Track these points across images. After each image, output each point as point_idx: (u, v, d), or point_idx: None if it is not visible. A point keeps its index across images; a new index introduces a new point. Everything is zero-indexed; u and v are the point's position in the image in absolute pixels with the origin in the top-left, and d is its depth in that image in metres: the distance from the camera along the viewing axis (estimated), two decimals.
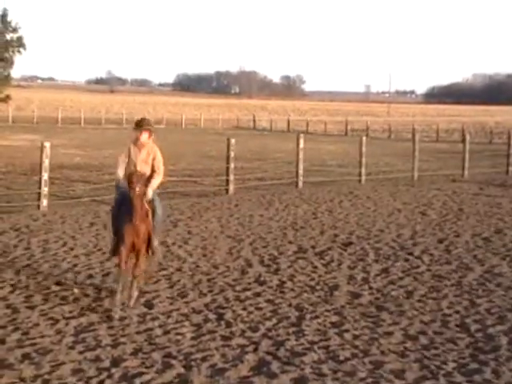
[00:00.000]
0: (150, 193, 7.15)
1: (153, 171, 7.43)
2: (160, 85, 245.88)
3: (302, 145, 18.15)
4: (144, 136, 7.48)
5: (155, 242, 7.39)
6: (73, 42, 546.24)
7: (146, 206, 7.05)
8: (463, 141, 24.53)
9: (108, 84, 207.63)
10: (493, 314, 7.26)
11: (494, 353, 6.08)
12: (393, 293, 7.99)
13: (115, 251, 7.27)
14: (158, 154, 7.55)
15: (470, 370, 5.66)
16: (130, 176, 6.89)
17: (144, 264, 7.43)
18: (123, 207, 6.98)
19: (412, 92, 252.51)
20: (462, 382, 5.41)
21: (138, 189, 6.76)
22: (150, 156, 7.48)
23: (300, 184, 18.11)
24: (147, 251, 7.26)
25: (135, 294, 7.14)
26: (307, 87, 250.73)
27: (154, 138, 7.63)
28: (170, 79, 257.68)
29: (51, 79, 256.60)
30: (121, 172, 7.43)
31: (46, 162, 13.47)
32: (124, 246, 6.94)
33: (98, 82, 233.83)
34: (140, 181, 6.85)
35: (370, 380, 5.39)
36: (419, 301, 7.69)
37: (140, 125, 7.52)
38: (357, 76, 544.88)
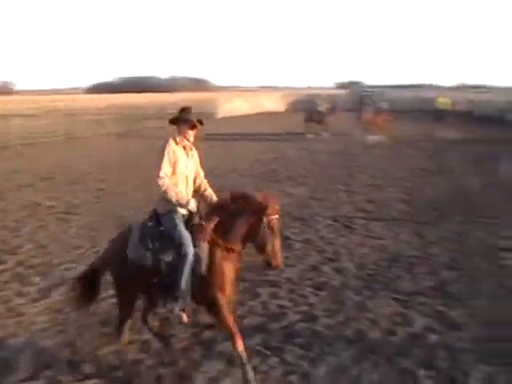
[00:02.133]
0: None
1: (197, 181, 5.36)
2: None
3: None
4: (192, 134, 5.20)
5: None
6: None
7: None
8: None
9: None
10: None
11: None
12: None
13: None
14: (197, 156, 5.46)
15: None
16: (266, 201, 4.83)
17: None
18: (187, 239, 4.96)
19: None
20: None
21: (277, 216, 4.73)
22: (193, 161, 5.33)
23: None
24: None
25: None
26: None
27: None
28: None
29: None
30: (173, 186, 5.01)
31: None
32: (224, 300, 4.94)
33: None
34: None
35: None
36: None
37: (188, 115, 5.10)
38: None
